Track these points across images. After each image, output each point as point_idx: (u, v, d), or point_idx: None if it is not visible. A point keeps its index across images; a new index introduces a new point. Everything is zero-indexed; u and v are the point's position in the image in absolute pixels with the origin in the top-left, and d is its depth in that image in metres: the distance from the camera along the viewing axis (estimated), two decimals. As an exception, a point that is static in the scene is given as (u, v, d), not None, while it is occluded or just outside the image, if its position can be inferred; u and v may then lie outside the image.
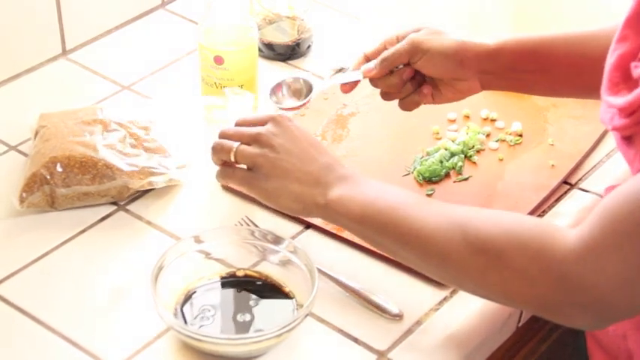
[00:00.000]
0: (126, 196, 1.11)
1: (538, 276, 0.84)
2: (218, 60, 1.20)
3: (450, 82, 1.08)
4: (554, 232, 0.85)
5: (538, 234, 0.85)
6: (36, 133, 1.15)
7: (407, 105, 1.11)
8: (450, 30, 1.09)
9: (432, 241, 0.90)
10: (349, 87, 1.12)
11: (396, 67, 1.08)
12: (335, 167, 0.99)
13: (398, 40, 1.09)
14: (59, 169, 1.09)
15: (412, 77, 1.09)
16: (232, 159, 1.00)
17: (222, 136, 1.02)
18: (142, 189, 1.11)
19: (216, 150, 1.01)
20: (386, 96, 1.12)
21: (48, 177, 1.08)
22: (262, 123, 1.01)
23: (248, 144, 1.00)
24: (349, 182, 0.97)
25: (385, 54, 1.08)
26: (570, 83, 1.08)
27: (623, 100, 0.87)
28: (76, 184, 1.09)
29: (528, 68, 1.07)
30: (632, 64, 0.88)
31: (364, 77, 1.10)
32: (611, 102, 0.89)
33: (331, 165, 0.99)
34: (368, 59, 1.10)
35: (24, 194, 1.08)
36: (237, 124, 1.03)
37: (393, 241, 0.93)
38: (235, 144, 1.00)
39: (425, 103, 1.11)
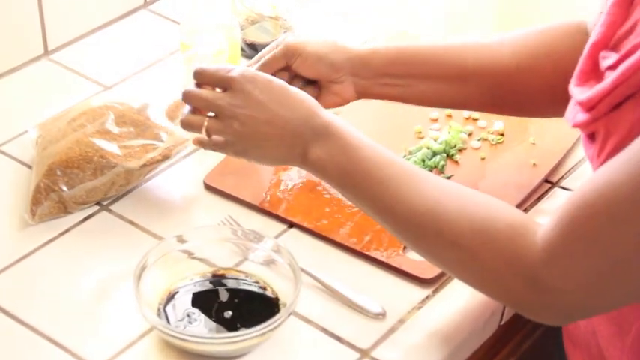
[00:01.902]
0: (136, 179, 1.10)
1: (510, 278, 0.85)
2: None
3: (327, 85, 1.07)
4: (525, 233, 0.85)
5: (510, 236, 0.86)
6: (36, 144, 1.15)
7: None
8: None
9: (407, 224, 0.91)
10: None
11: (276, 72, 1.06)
12: (310, 120, 0.95)
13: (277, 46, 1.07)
14: (59, 173, 1.08)
15: (291, 80, 1.07)
16: (204, 135, 0.98)
17: (186, 98, 0.99)
18: (147, 170, 1.10)
19: (186, 127, 0.99)
20: None
21: (51, 185, 1.08)
22: (223, 86, 0.97)
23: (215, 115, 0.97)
24: (327, 138, 0.94)
25: (263, 58, 1.06)
26: (446, 93, 1.08)
27: (584, 95, 0.87)
28: (78, 183, 1.09)
29: (399, 73, 1.07)
30: (601, 55, 0.88)
31: None
32: (574, 94, 0.88)
33: (306, 119, 0.95)
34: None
35: (33, 208, 1.08)
36: (196, 78, 0.99)
37: (371, 211, 0.94)
38: (205, 121, 0.97)
39: None
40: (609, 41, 0.88)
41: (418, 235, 0.91)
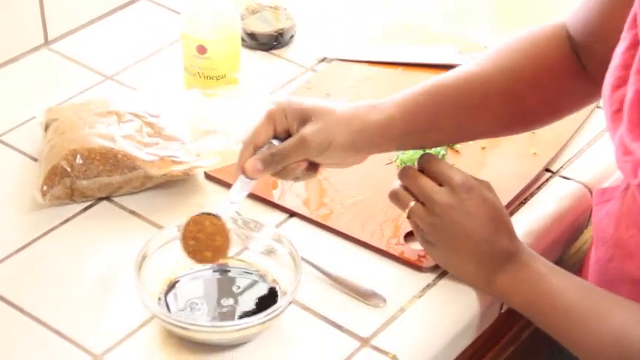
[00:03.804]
0: (147, 187, 1.11)
1: None
2: (201, 49, 1.20)
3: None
4: None
5: None
6: (46, 127, 1.15)
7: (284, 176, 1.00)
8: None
9: (595, 356, 0.92)
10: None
11: None
12: (506, 245, 0.96)
13: (286, 117, 0.97)
14: (79, 161, 1.08)
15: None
16: (405, 216, 0.99)
17: (403, 176, 0.99)
18: (164, 179, 1.10)
19: (393, 197, 1.00)
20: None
21: (68, 169, 1.08)
22: (446, 182, 0.97)
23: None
24: (516, 265, 0.95)
25: (274, 150, 0.97)
26: (465, 130, 1.04)
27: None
28: (96, 175, 1.09)
29: (416, 134, 1.01)
30: None
31: (252, 178, 0.98)
32: (633, 148, 0.84)
33: (502, 243, 0.96)
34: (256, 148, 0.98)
35: (45, 187, 1.08)
36: (422, 164, 0.99)
37: (560, 340, 0.95)
38: (411, 202, 0.98)
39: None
40: None
41: None
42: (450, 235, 0.97)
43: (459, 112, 1.01)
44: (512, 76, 1.01)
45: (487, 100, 1.01)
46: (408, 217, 0.99)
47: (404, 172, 1.00)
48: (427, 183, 0.97)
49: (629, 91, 0.85)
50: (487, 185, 0.99)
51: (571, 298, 0.93)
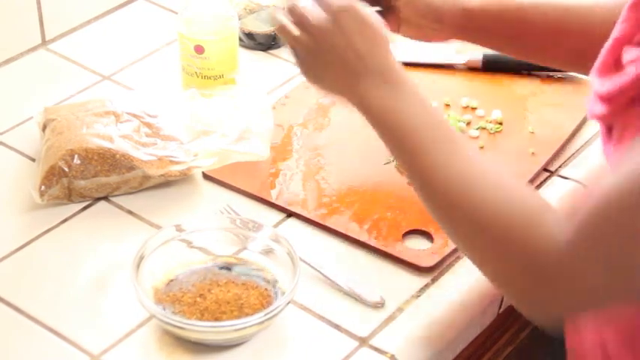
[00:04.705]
0: (145, 187, 1.11)
1: (517, 260, 0.84)
2: (198, 49, 1.20)
3: (424, 30, 1.10)
4: (543, 221, 0.83)
5: (526, 215, 0.84)
6: (44, 127, 1.15)
7: None
8: None
9: (438, 191, 0.89)
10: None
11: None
12: (381, 60, 0.94)
13: None
14: (77, 161, 1.08)
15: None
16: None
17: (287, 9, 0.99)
18: (162, 180, 1.10)
19: (279, 31, 1.00)
20: None
21: (66, 169, 1.08)
22: (325, 6, 0.96)
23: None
24: (387, 81, 0.93)
25: None
26: (543, 53, 1.09)
27: (604, 87, 0.86)
28: (94, 175, 1.09)
29: (502, 34, 1.09)
30: (624, 49, 0.86)
31: None
32: (594, 85, 0.88)
33: (379, 63, 0.94)
34: None
35: (43, 187, 1.08)
36: None
37: (406, 169, 0.92)
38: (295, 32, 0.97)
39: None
40: (633, 38, 0.86)
41: (445, 207, 0.89)
42: (326, 51, 0.95)
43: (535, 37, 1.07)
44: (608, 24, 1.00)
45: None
46: (291, 46, 0.98)
47: (289, 5, 0.99)
48: (306, 9, 0.97)
49: (611, 38, 0.88)
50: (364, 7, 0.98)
51: (433, 129, 0.91)
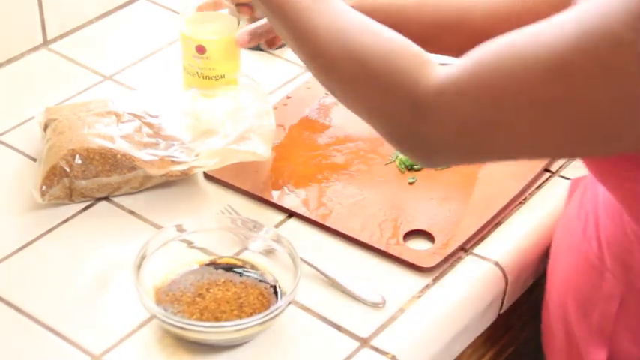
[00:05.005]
0: (146, 187, 1.11)
1: (396, 95, 0.84)
2: (200, 49, 1.20)
3: None
4: (426, 61, 0.84)
5: (409, 57, 0.85)
6: (45, 127, 1.15)
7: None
8: None
9: (311, 38, 0.90)
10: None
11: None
12: None
13: None
14: (78, 161, 1.08)
15: None
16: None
17: None
18: (163, 180, 1.10)
19: None
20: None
21: (67, 169, 1.08)
22: None
23: None
24: None
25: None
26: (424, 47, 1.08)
27: None
28: (95, 175, 1.09)
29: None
30: None
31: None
32: None
33: None
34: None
35: (44, 187, 1.08)
36: None
37: (287, 31, 0.93)
38: None
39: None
40: None
41: (318, 50, 0.89)
42: None
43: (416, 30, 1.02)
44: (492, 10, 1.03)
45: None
46: None
47: None
48: None
49: None
50: None
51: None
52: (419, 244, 1.05)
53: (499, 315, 1.07)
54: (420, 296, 1.01)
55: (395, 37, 0.87)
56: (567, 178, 1.15)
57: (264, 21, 1.11)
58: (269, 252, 1.01)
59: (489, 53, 0.80)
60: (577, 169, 1.16)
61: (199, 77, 1.22)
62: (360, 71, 0.86)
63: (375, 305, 0.99)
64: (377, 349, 0.96)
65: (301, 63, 1.30)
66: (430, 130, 0.83)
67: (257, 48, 1.34)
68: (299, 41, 0.91)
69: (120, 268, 1.02)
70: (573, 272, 0.99)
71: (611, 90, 0.74)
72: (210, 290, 0.97)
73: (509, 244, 1.07)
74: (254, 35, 1.13)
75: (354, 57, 0.87)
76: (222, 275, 0.99)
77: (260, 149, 1.14)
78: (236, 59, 1.23)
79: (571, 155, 1.01)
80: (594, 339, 0.97)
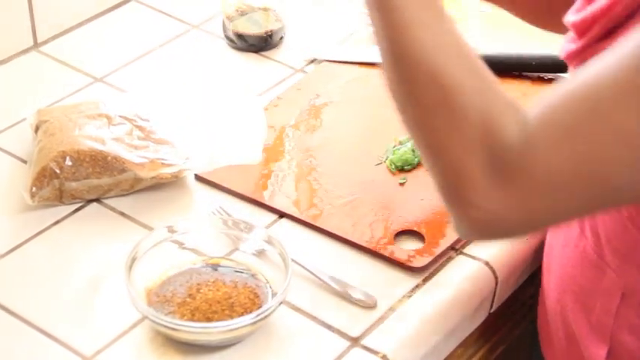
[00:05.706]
0: (137, 189, 1.11)
1: (477, 141, 0.76)
2: None
3: None
4: (520, 110, 0.77)
5: (504, 100, 0.78)
6: (36, 129, 1.15)
7: None
8: None
9: (407, 55, 0.79)
10: None
11: None
12: None
13: None
14: (68, 162, 1.08)
15: None
16: None
17: None
18: (154, 182, 1.10)
19: None
20: None
21: (57, 171, 1.08)
22: None
23: None
24: None
25: None
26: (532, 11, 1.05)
27: (579, 16, 0.84)
28: (85, 177, 1.09)
29: None
30: None
31: None
32: (568, 19, 0.86)
33: None
34: None
35: (34, 189, 1.08)
36: None
37: (377, 29, 0.82)
38: None
39: None
40: None
41: (411, 69, 0.79)
42: None
43: None
44: None
45: None
46: None
47: None
48: None
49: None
50: None
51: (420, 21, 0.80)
52: (409, 244, 1.06)
53: (489, 314, 1.07)
54: (410, 296, 1.01)
55: (490, 75, 0.79)
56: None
57: None
58: (260, 252, 1.02)
59: (563, 95, 0.75)
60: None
61: None
62: (442, 101, 0.77)
63: (366, 305, 1.00)
64: (368, 349, 0.96)
65: (291, 64, 1.32)
66: (512, 195, 0.75)
67: (248, 49, 1.35)
68: (389, 43, 0.80)
69: (111, 269, 1.02)
70: (571, 268, 0.99)
71: None
72: (201, 291, 0.97)
73: (499, 243, 1.07)
74: None
75: (440, 83, 0.77)
76: (212, 275, 1.00)
77: (251, 151, 1.14)
78: None
79: None
80: (594, 334, 0.97)
